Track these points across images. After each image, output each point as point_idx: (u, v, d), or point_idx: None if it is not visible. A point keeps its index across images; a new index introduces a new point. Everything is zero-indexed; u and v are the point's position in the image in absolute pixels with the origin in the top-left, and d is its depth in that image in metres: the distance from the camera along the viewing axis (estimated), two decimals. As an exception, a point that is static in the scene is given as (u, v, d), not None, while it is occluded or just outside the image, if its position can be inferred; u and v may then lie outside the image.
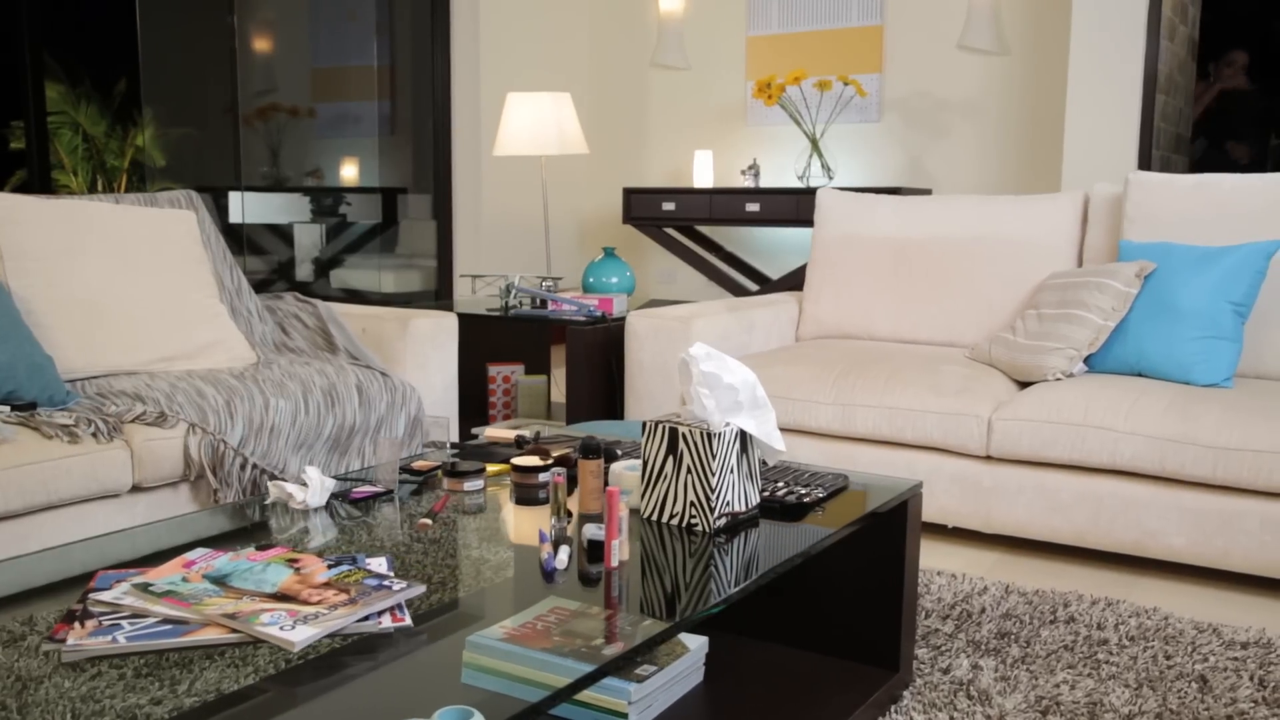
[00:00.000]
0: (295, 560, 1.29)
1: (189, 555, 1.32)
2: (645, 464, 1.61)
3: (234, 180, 5.59)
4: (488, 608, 1.26)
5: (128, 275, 2.67)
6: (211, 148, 5.75)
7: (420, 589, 1.25)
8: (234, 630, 1.12)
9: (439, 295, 5.72)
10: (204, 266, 2.88)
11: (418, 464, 1.86)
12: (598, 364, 3.22)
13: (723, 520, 1.56)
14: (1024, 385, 2.82)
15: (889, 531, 1.81)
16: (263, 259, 6.04)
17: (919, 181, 5.09)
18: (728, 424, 1.55)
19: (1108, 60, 4.07)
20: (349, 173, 6.20)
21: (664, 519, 1.60)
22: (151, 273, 2.72)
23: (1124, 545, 2.49)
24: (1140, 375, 2.72)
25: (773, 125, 5.40)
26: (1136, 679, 1.93)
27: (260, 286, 5.89)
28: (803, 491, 1.72)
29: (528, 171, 5.19)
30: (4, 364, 2.24)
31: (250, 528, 1.57)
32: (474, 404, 3.72)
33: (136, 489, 2.30)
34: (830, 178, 4.91)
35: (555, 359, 5.25)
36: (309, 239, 6.09)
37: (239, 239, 5.68)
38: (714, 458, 1.53)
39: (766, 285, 5.01)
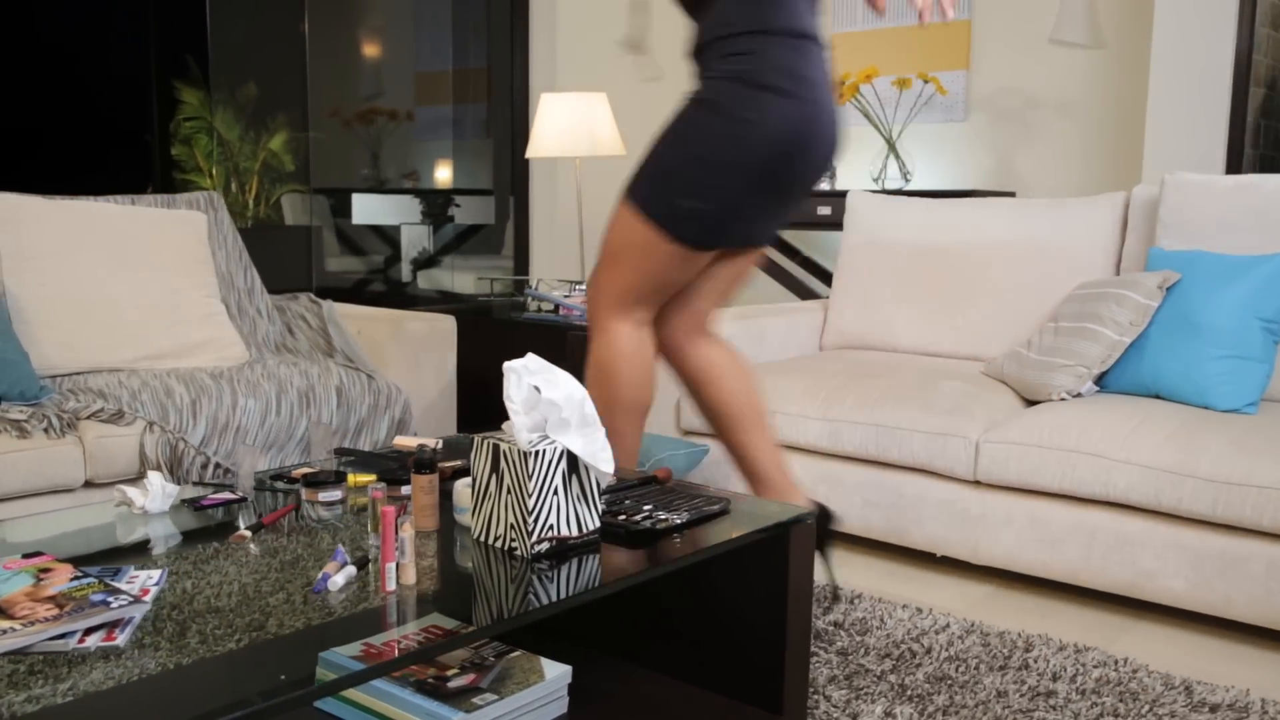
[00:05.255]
0: (48, 570, 1.27)
1: (-43, 559, 1.31)
2: (473, 482, 1.52)
3: (304, 183, 5.74)
4: (232, 627, 1.20)
5: (122, 274, 2.74)
6: (337, 151, 5.92)
7: (144, 608, 1.20)
8: (-83, 642, 1.09)
9: (514, 296, 5.74)
10: (207, 266, 2.94)
11: (297, 471, 1.82)
12: (599, 371, 3.14)
13: (544, 545, 1.46)
14: (1032, 404, 2.59)
15: (772, 563, 1.67)
16: (363, 259, 6.19)
17: (1005, 184, 4.80)
18: (551, 442, 1.45)
19: (1193, 50, 3.73)
20: (443, 175, 6.29)
21: (490, 540, 1.51)
22: (148, 272, 2.79)
23: (1119, 585, 2.25)
24: (1157, 397, 2.46)
25: (853, 126, 5.19)
26: (1064, 739, 1.72)
27: (358, 288, 6.05)
28: (661, 517, 1.60)
29: (602, 173, 5.15)
30: (-28, 359, 2.33)
31: (95, 533, 1.56)
32: (498, 408, 3.69)
33: (90, 484, 2.35)
34: (907, 180, 4.68)
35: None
36: (409, 240, 6.21)
37: (305, 239, 5.83)
38: (529, 478, 1.43)
39: (837, 291, 4.81)
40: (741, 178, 1.87)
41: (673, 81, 5.53)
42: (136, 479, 2.41)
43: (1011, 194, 4.66)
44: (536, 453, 1.43)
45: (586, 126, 3.69)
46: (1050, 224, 2.94)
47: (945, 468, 2.45)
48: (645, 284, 1.96)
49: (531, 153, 3.85)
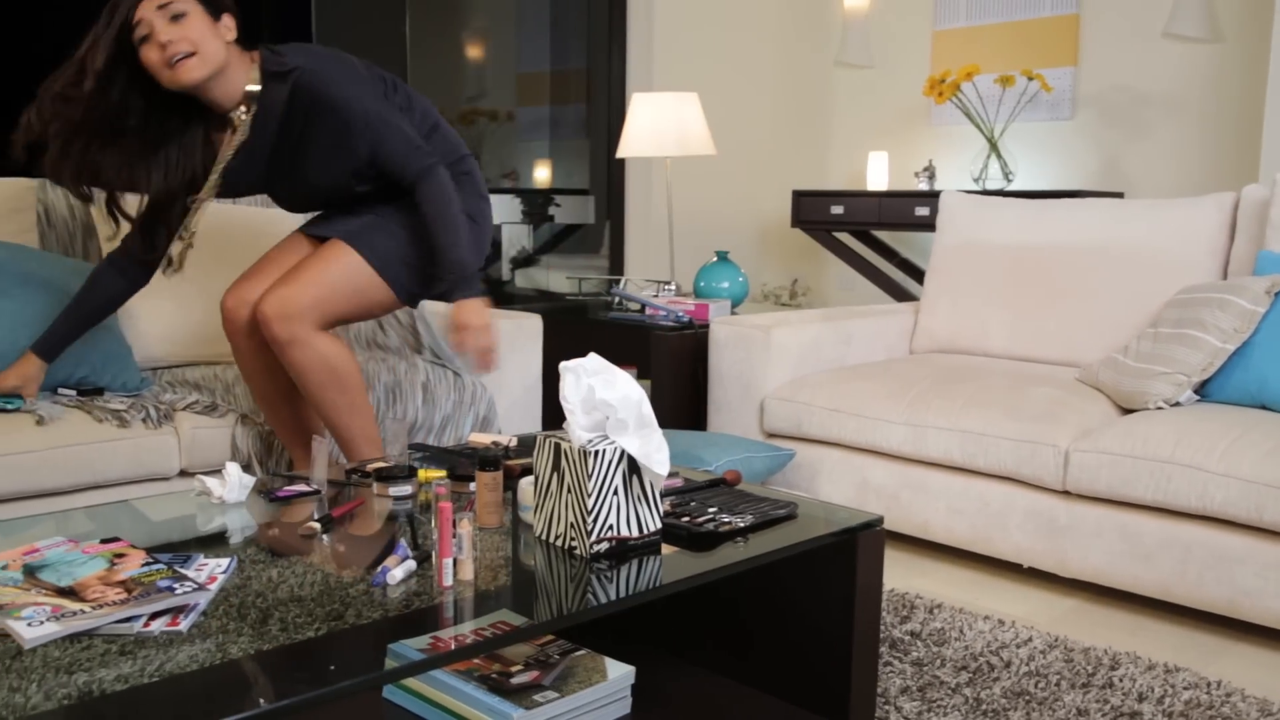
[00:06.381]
0: (122, 556, 1.32)
1: (40, 542, 1.37)
2: (536, 480, 1.53)
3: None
4: (312, 616, 1.22)
5: (221, 271, 2.83)
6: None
7: (208, 595, 1.23)
8: (-6, 621, 1.15)
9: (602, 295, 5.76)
10: (303, 264, 3.01)
11: (371, 465, 1.85)
12: (684, 372, 3.13)
13: (603, 545, 1.46)
14: (1128, 413, 2.50)
15: (839, 569, 1.64)
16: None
17: (1113, 184, 4.64)
18: (611, 442, 1.45)
19: (1315, 44, 3.55)
20: (542, 175, 6.35)
21: (551, 539, 1.52)
22: (245, 269, 2.87)
23: (1215, 604, 2.16)
24: (1263, 408, 2.35)
25: (956, 125, 5.08)
26: (1146, 763, 1.65)
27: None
28: (725, 520, 1.59)
29: (693, 173, 5.13)
30: (77, 351, 2.43)
31: (174, 520, 1.62)
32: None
33: (185, 473, 2.43)
34: (1009, 180, 4.56)
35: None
36: (509, 239, 6.28)
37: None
38: (589, 477, 1.43)
39: (934, 294, 4.70)
40: (475, 260, 2.35)
41: (759, 86, 5.50)
42: (228, 469, 2.48)
43: (1120, 195, 4.51)
44: (596, 453, 1.43)
45: (677, 126, 3.68)
46: (1153, 226, 2.83)
47: (1033, 476, 2.38)
48: (351, 316, 2.31)
49: (622, 152, 3.86)
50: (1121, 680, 1.92)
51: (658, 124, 3.70)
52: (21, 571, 1.26)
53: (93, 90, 2.02)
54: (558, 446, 1.48)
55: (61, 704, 1.02)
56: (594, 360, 1.47)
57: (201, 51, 2.06)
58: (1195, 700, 1.85)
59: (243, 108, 2.18)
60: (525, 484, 1.59)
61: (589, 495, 1.44)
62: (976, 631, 2.13)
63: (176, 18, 2.05)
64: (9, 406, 2.22)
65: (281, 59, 2.18)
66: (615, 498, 1.46)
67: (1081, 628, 2.23)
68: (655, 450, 1.44)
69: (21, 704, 1.02)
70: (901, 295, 4.80)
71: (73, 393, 2.40)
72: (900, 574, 2.54)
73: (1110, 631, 2.21)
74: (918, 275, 5.06)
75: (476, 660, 1.69)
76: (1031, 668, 1.97)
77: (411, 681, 1.66)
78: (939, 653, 2.04)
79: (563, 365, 1.44)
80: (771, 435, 2.90)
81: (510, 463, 1.80)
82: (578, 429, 1.43)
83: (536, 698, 1.58)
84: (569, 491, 1.47)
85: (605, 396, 1.42)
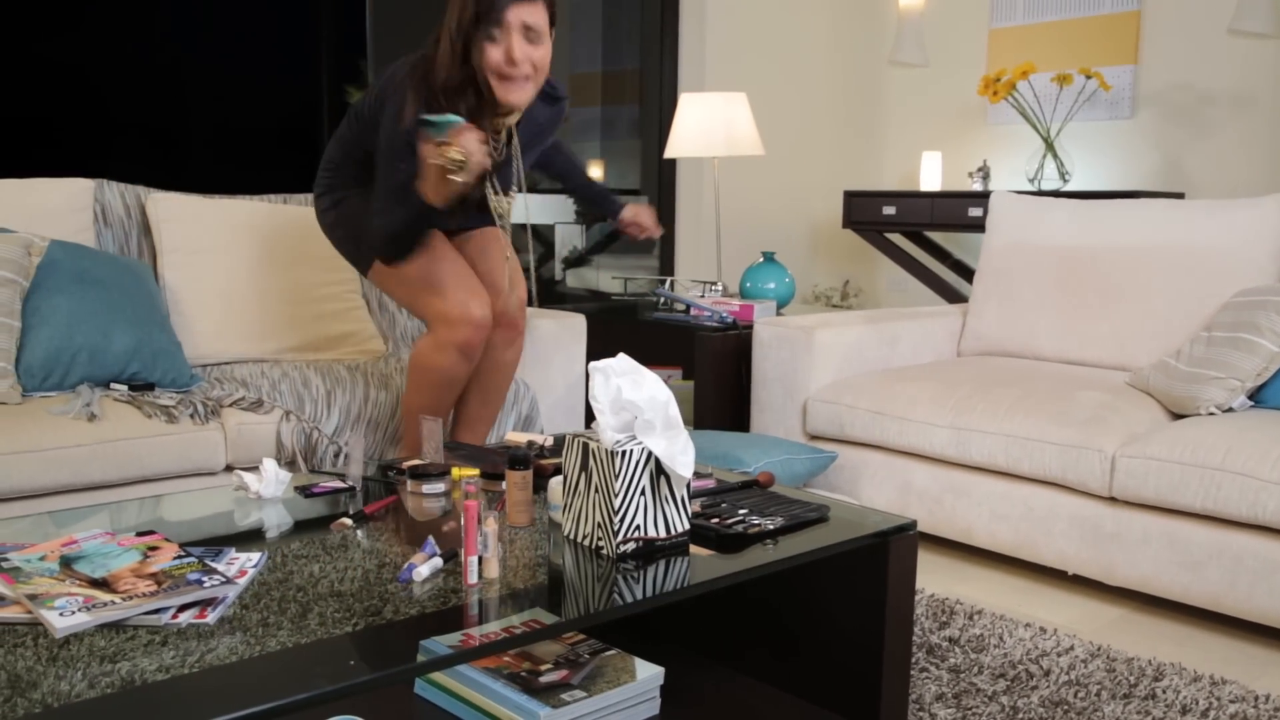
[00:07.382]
0: (156, 549, 1.34)
1: (78, 534, 1.40)
2: (565, 479, 1.53)
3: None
4: (320, 613, 1.24)
5: (271, 270, 2.88)
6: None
7: (236, 589, 1.25)
8: (29, 611, 1.17)
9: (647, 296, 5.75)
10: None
11: (407, 463, 1.87)
12: (727, 373, 3.12)
13: (630, 545, 1.46)
14: (1178, 418, 2.44)
15: (871, 573, 1.63)
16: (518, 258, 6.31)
17: (1174, 185, 4.54)
18: (639, 443, 1.45)
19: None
20: (594, 175, 6.36)
21: (579, 538, 1.52)
22: (294, 268, 2.92)
23: (1267, 615, 2.10)
24: (1319, 415, 2.28)
25: (1012, 124, 5.01)
26: (1186, 777, 1.62)
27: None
28: (754, 522, 1.58)
29: (742, 173, 5.12)
30: (130, 347, 2.48)
31: (210, 515, 1.65)
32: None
33: (231, 469, 2.47)
34: (1065, 181, 4.48)
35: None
36: (562, 239, 6.30)
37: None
38: (616, 478, 1.43)
39: (987, 296, 4.63)
40: None
41: (812, 85, 5.47)
42: (274, 465, 2.52)
43: (1180, 195, 4.41)
44: (623, 453, 1.43)
45: (725, 126, 3.67)
46: (1209, 227, 2.76)
47: (1078, 481, 2.34)
48: None
49: (670, 152, 3.86)
50: (1165, 692, 1.88)
51: (705, 124, 3.69)
52: (58, 563, 1.30)
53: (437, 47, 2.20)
54: (586, 446, 1.49)
55: (104, 692, 1.04)
56: (623, 360, 1.47)
57: (537, 78, 2.19)
58: (1241, 714, 1.80)
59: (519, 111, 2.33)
60: (554, 483, 1.60)
61: (615, 495, 1.44)
62: (1016, 639, 2.10)
63: (534, 39, 2.14)
64: (449, 120, 2.05)
65: (553, 83, 2.44)
66: (642, 498, 1.46)
67: (1126, 637, 2.18)
68: (680, 452, 1.44)
69: (66, 691, 1.05)
70: (954, 297, 4.74)
71: (124, 388, 2.45)
72: (941, 579, 2.51)
73: (1156, 642, 2.16)
74: (971, 277, 4.99)
75: (507, 658, 1.70)
76: (1071, 677, 1.94)
77: (442, 678, 1.68)
78: (977, 660, 2.01)
79: (592, 365, 1.45)
80: (814, 437, 2.88)
81: (542, 462, 1.81)
82: (607, 429, 1.43)
83: (564, 696, 1.58)
84: (596, 491, 1.47)
85: (632, 397, 1.42)
